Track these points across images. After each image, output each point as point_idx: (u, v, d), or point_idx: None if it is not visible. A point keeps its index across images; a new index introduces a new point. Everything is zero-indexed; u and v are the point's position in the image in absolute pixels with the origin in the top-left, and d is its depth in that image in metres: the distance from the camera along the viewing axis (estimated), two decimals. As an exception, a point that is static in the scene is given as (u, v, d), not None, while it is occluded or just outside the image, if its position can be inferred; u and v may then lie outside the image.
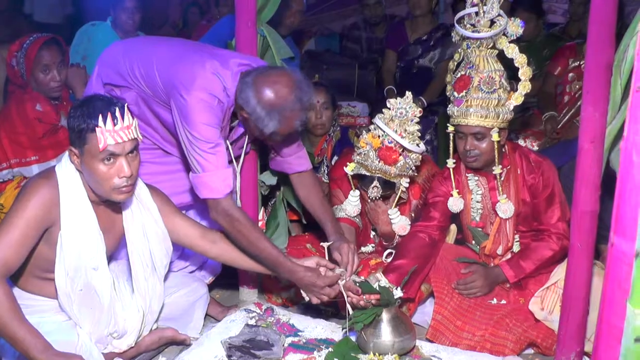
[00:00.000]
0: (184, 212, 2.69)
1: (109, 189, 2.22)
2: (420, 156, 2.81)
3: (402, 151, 2.74)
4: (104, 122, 2.13)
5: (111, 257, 2.54)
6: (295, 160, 2.83)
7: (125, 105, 2.22)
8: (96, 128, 2.13)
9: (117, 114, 2.16)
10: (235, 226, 2.47)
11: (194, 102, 2.42)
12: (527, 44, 4.49)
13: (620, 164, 1.10)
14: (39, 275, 2.32)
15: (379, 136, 2.75)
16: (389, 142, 2.73)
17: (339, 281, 2.52)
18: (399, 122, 2.73)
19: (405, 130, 2.74)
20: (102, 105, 2.16)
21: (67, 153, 2.29)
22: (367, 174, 2.80)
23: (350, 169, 2.86)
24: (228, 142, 2.70)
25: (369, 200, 2.98)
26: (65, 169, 2.26)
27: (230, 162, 2.77)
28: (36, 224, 2.16)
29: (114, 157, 2.19)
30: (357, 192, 2.97)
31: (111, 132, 2.15)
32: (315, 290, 2.50)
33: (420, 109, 2.77)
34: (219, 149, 2.48)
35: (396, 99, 2.77)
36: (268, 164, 3.01)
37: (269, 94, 2.43)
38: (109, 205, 2.38)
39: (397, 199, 2.94)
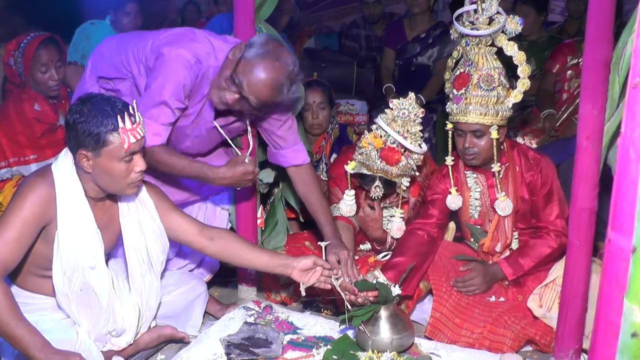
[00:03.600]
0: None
1: (124, 185, 2.25)
2: (422, 156, 2.81)
3: (404, 151, 2.74)
4: (123, 121, 2.14)
5: (110, 255, 2.54)
6: (291, 153, 2.83)
7: (134, 101, 2.24)
8: (119, 129, 2.13)
9: (132, 111, 2.18)
10: (152, 162, 2.51)
11: (172, 56, 2.47)
12: (529, 43, 4.50)
13: (618, 160, 1.10)
14: (37, 273, 2.32)
15: (381, 136, 2.74)
16: (391, 143, 2.72)
17: (334, 280, 2.52)
18: (401, 122, 2.73)
19: (408, 130, 2.73)
20: (111, 104, 2.17)
21: (63, 152, 2.29)
22: (369, 173, 2.80)
23: (351, 167, 2.85)
24: (216, 123, 2.70)
25: (361, 208, 2.98)
26: (61, 167, 2.26)
27: (225, 144, 2.84)
28: (33, 222, 2.16)
29: (133, 155, 2.21)
30: (352, 192, 2.96)
31: (131, 131, 2.17)
32: (239, 180, 2.62)
33: (422, 109, 2.77)
34: (166, 110, 2.51)
35: (399, 99, 2.76)
36: (266, 161, 3.01)
37: (281, 45, 2.48)
38: (106, 202, 2.38)
39: (400, 198, 2.94)
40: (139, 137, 2.19)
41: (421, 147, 2.76)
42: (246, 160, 2.60)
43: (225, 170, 2.59)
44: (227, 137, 2.75)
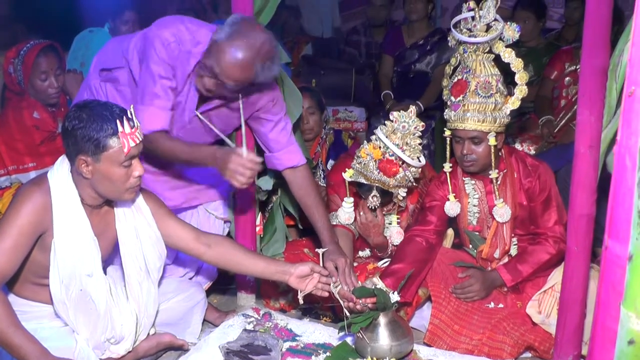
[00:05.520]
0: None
1: (123, 190, 2.25)
2: (420, 169, 2.82)
3: (402, 164, 2.74)
4: (122, 125, 2.15)
5: (108, 262, 2.54)
6: (285, 154, 2.82)
7: (132, 106, 2.25)
8: (119, 133, 2.14)
9: (130, 115, 2.19)
10: (153, 149, 2.51)
11: (153, 38, 2.50)
12: (527, 50, 4.51)
13: (614, 168, 1.10)
14: (34, 281, 2.32)
15: (380, 147, 2.75)
16: (390, 155, 2.73)
17: (333, 287, 2.52)
18: (401, 135, 2.74)
19: (407, 143, 2.74)
20: (109, 109, 2.18)
21: (59, 159, 2.29)
22: (366, 182, 2.81)
23: (348, 175, 2.86)
24: (198, 113, 2.68)
25: (359, 214, 2.98)
26: (57, 174, 2.26)
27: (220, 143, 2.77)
28: (29, 230, 2.16)
29: (132, 159, 2.22)
30: (351, 199, 2.96)
31: (130, 135, 2.18)
32: (233, 171, 2.41)
33: (423, 123, 2.78)
34: (160, 91, 2.51)
35: (399, 112, 2.77)
36: (265, 169, 3.01)
37: (249, 19, 2.48)
38: (102, 209, 2.38)
39: (397, 207, 2.96)
40: (137, 141, 2.20)
41: (420, 161, 2.78)
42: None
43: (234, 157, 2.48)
44: (211, 126, 2.68)
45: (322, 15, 7.35)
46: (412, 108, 2.78)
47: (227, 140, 2.65)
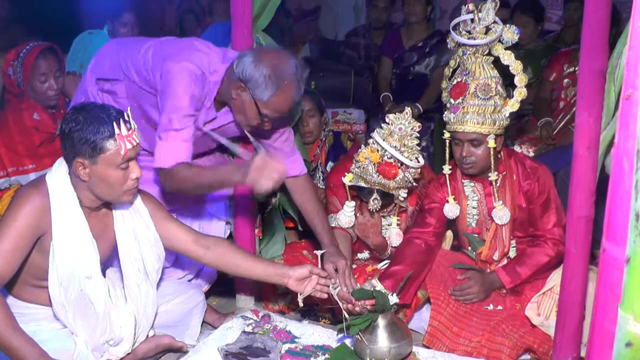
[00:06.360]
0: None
1: (120, 193, 2.26)
2: (420, 169, 2.82)
3: (401, 165, 2.75)
4: (119, 128, 2.15)
5: (107, 264, 2.54)
6: (288, 164, 2.82)
7: (128, 108, 2.25)
8: (115, 135, 2.14)
9: (126, 117, 2.19)
10: (178, 183, 2.50)
11: (177, 71, 2.46)
12: (526, 52, 4.52)
13: (612, 171, 1.10)
14: (33, 283, 2.32)
15: (377, 150, 2.75)
16: (388, 158, 2.74)
17: (332, 289, 2.53)
18: (398, 137, 2.74)
19: (405, 145, 2.75)
20: (106, 111, 2.18)
21: (57, 162, 2.29)
22: (366, 186, 2.81)
23: (348, 179, 2.86)
24: (206, 129, 2.69)
25: (357, 215, 2.98)
26: (55, 176, 2.26)
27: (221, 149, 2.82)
28: (28, 233, 2.16)
29: (130, 161, 2.22)
30: (353, 203, 2.96)
31: (127, 137, 2.18)
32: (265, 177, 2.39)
33: (419, 123, 2.79)
34: (185, 126, 2.48)
35: (395, 114, 2.78)
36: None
37: (269, 57, 2.48)
38: (101, 211, 2.39)
39: (397, 208, 2.96)
40: (134, 144, 2.21)
41: (418, 161, 2.78)
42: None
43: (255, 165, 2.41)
44: (224, 142, 2.71)
45: (339, 18, 7.28)
46: (407, 109, 2.79)
47: (234, 149, 2.71)
